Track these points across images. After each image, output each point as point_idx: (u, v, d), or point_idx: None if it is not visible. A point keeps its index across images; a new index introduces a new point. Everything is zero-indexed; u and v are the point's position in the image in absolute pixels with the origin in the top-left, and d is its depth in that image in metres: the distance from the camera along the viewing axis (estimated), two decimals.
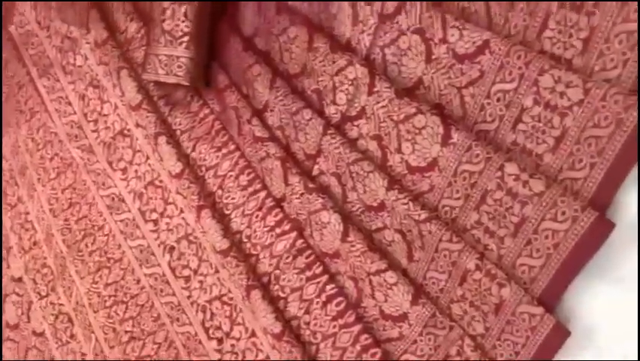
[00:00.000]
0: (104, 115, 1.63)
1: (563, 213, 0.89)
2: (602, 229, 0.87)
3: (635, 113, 0.84)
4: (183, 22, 1.32)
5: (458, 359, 1.01)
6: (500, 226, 0.97)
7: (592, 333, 0.91)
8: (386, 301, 1.08)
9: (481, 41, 0.98)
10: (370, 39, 1.13)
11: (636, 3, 0.86)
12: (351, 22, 1.15)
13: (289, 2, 1.25)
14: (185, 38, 1.33)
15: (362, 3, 1.13)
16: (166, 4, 1.34)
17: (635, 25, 0.86)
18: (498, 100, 0.98)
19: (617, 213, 0.88)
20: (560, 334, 0.90)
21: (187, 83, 1.36)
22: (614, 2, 0.88)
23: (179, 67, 1.34)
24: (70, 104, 1.73)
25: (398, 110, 1.06)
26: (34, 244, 1.71)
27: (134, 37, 1.53)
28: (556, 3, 0.93)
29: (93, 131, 1.65)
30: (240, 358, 1.26)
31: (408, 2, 1.06)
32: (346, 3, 1.15)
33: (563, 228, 0.89)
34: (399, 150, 1.07)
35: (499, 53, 0.96)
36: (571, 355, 0.92)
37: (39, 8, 1.83)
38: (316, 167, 1.19)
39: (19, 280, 1.72)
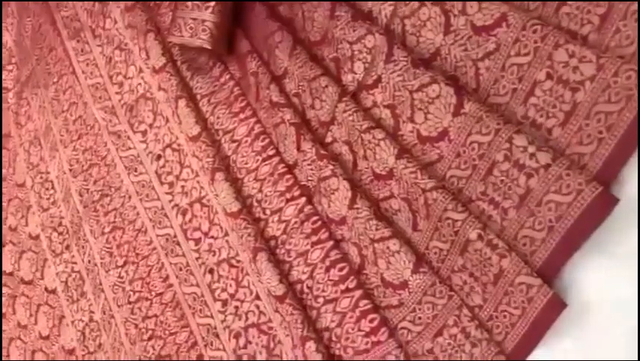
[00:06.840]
0: (129, 78, 1.66)
1: (568, 186, 0.90)
2: (605, 204, 0.87)
3: None
4: None
5: (455, 328, 1.02)
6: (505, 198, 0.97)
7: (589, 307, 0.91)
8: (388, 268, 1.09)
9: (499, 14, 0.99)
10: (391, 10, 1.14)
11: None
12: None
13: None
14: (212, 3, 1.36)
15: None
16: None
17: None
18: (512, 73, 0.99)
19: (622, 190, 0.89)
20: (557, 306, 0.91)
21: (210, 47, 1.39)
22: None
23: (204, 30, 1.37)
24: (97, 66, 1.77)
25: (413, 79, 1.07)
26: (53, 203, 1.76)
27: (162, 1, 1.56)
28: None
29: (117, 93, 1.69)
30: (242, 320, 1.29)
31: None
32: None
33: (567, 200, 0.90)
34: (411, 119, 1.09)
35: (515, 26, 0.97)
36: (567, 329, 0.92)
37: None
38: (329, 134, 1.21)
39: (36, 237, 1.77)
